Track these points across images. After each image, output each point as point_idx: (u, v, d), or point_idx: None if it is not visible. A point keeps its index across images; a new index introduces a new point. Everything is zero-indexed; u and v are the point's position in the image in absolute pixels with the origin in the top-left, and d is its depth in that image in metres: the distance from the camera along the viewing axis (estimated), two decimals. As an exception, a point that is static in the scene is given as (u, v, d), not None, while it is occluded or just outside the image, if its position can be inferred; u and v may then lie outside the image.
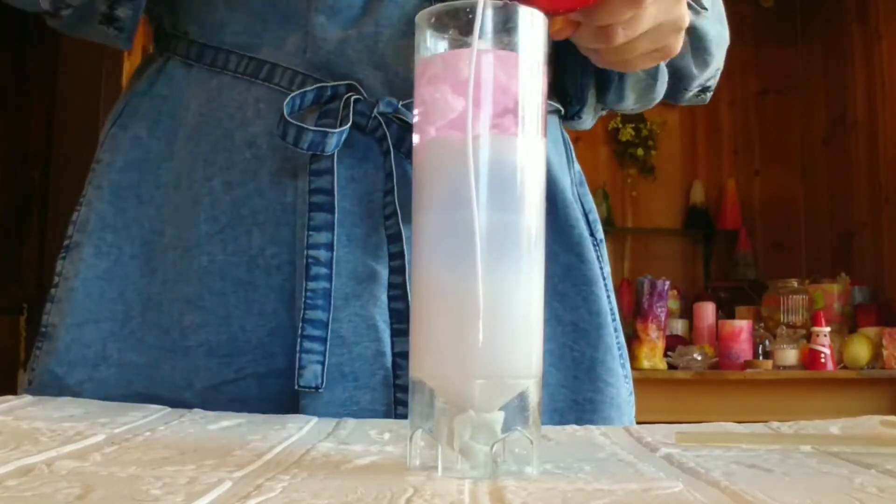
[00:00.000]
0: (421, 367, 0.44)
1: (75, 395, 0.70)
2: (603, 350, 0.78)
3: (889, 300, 3.17)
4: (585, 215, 0.84)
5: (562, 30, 0.61)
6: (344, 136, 0.69)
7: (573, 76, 0.83)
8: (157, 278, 0.73)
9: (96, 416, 0.57)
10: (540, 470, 0.43)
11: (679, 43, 0.67)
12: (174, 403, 0.66)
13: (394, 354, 0.69)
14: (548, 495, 0.38)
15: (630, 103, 0.83)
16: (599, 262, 0.82)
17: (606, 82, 0.82)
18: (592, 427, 0.62)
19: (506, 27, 0.44)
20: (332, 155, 0.69)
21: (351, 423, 0.60)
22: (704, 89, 0.86)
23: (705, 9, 0.76)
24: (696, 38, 0.76)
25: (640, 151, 3.71)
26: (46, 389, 0.71)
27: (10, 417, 0.55)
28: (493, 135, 0.43)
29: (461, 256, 0.43)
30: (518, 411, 0.43)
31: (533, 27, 0.45)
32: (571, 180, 0.85)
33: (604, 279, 0.83)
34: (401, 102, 0.72)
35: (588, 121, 0.87)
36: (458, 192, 0.43)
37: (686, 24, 0.66)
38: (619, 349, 0.83)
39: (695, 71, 0.81)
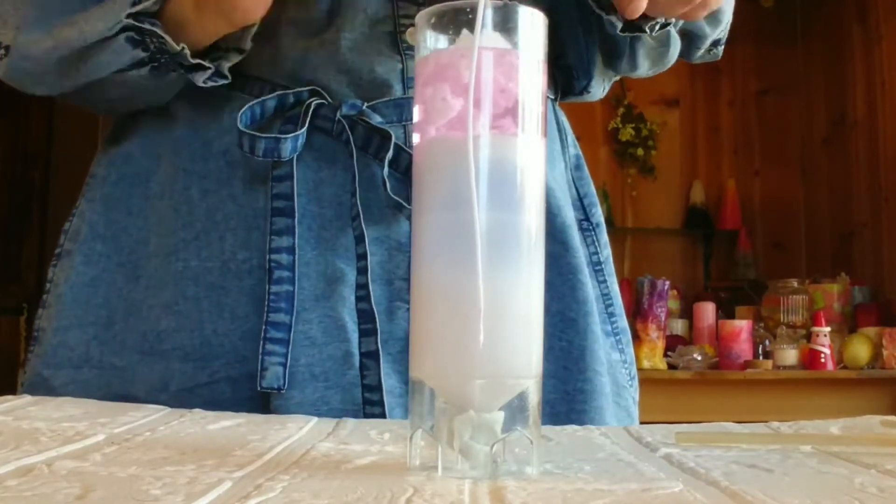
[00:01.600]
0: (421, 367, 0.44)
1: (59, 396, 0.71)
2: (591, 339, 0.77)
3: (889, 300, 3.17)
4: (580, 199, 0.84)
5: None
6: (300, 140, 0.71)
7: (577, 52, 0.83)
8: (140, 285, 0.75)
9: (96, 416, 0.57)
10: (540, 470, 0.43)
11: None
12: (150, 404, 0.66)
13: (361, 354, 0.69)
14: (548, 495, 0.38)
15: (644, 70, 0.84)
16: (595, 246, 0.82)
17: (618, 52, 0.82)
18: (592, 427, 0.62)
19: (506, 27, 0.44)
20: (291, 160, 0.71)
21: (351, 423, 0.60)
22: (715, 43, 0.86)
23: None
24: None
25: (640, 151, 3.71)
26: (35, 391, 0.72)
27: (10, 417, 0.55)
28: (493, 135, 0.43)
29: (461, 256, 0.43)
30: (518, 411, 0.43)
31: (533, 27, 0.45)
32: (566, 164, 0.85)
33: (602, 263, 0.83)
34: (366, 104, 0.73)
35: (598, 92, 0.88)
36: (459, 191, 0.43)
37: None
38: (619, 334, 0.83)
39: (707, 30, 0.81)
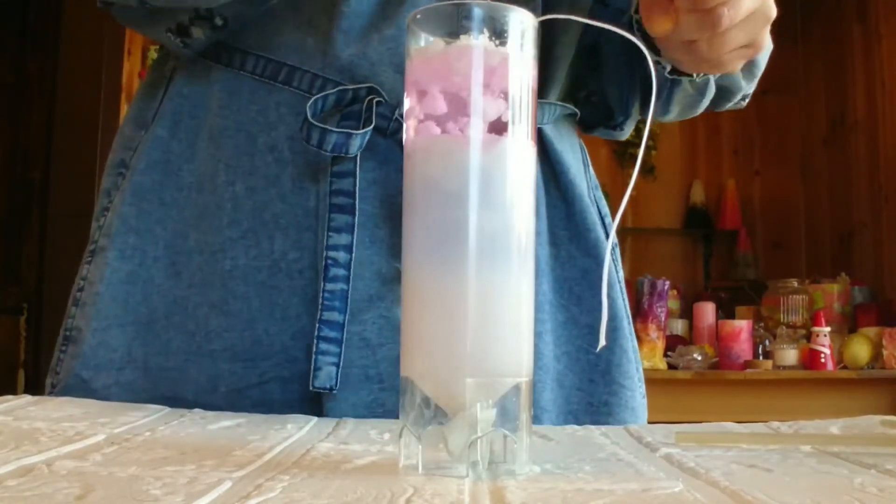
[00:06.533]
0: (412, 367, 0.44)
1: (102, 399, 0.70)
2: (619, 353, 0.78)
3: (889, 300, 3.17)
4: (601, 219, 0.84)
5: (664, 21, 0.61)
6: (367, 137, 0.69)
7: (618, 92, 0.83)
8: (182, 282, 0.73)
9: (96, 416, 0.57)
10: (539, 470, 0.43)
11: (767, 36, 0.66)
12: (199, 406, 0.66)
13: None
14: (548, 495, 0.38)
15: (673, 116, 0.83)
16: (614, 264, 0.83)
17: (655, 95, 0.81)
18: (592, 427, 0.62)
19: (497, 28, 0.44)
20: (355, 157, 0.69)
21: (351, 423, 0.60)
22: (744, 97, 0.86)
23: None
24: None
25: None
26: (72, 393, 0.71)
27: (10, 417, 0.55)
28: (483, 136, 0.43)
29: (452, 256, 0.43)
30: (509, 410, 0.43)
31: (524, 28, 0.45)
32: (588, 184, 0.85)
33: (619, 282, 0.83)
34: None
35: (628, 131, 0.88)
36: (449, 192, 0.43)
37: (775, 14, 0.64)
38: (634, 352, 0.83)
39: (743, 84, 0.81)
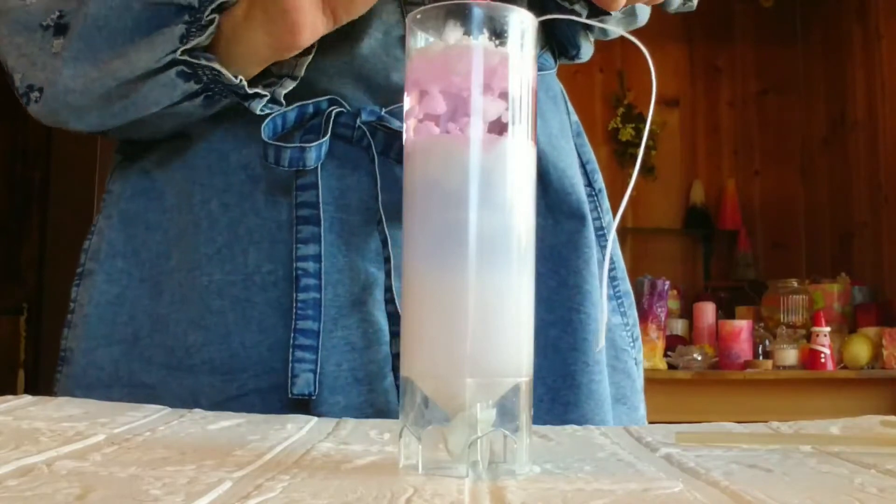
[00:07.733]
0: (412, 366, 0.44)
1: None
2: (600, 308, 0.79)
3: (889, 300, 3.17)
4: (583, 166, 0.85)
5: None
6: (324, 148, 0.71)
7: (562, 29, 0.85)
8: (163, 300, 0.75)
9: (96, 416, 0.57)
10: (539, 470, 0.43)
11: None
12: None
13: (393, 356, 0.70)
14: (548, 495, 0.38)
15: (616, 34, 0.85)
16: (598, 212, 0.84)
17: (589, 26, 0.83)
18: (592, 427, 0.62)
19: (497, 28, 0.44)
20: (316, 169, 0.71)
21: (351, 423, 0.60)
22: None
23: None
24: None
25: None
26: None
27: (10, 417, 0.55)
28: (483, 136, 0.44)
29: (452, 257, 0.43)
30: (509, 410, 0.43)
31: (524, 28, 0.45)
32: (571, 131, 0.86)
33: (603, 229, 0.84)
34: (384, 110, 0.74)
35: (587, 55, 0.89)
36: (449, 192, 0.43)
37: None
38: (621, 297, 0.84)
39: None
